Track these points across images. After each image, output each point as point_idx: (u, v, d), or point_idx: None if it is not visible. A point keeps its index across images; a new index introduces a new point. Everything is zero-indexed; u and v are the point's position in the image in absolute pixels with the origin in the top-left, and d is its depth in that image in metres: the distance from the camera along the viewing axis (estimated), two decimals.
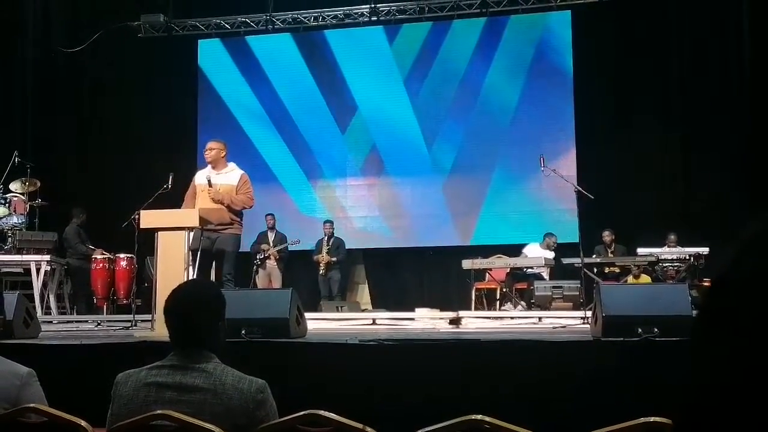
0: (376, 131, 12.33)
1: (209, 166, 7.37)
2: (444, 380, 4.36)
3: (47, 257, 9.22)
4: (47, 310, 9.28)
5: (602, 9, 11.59)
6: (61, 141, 12.09)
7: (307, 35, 12.74)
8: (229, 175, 7.33)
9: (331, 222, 11.65)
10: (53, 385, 2.78)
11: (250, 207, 7.42)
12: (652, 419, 2.11)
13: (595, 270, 9.58)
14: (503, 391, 4.22)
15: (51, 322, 8.33)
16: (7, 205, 9.60)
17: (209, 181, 7.16)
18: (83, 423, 2.26)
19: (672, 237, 10.05)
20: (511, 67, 12.05)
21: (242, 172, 7.43)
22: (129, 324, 7.19)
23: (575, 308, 8.28)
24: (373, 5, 12.22)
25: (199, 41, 12.95)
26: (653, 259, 9.58)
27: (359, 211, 12.31)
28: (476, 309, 9.82)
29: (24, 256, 9.22)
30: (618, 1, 11.48)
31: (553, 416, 4.07)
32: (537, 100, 11.88)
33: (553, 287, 9.02)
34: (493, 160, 11.91)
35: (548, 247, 10.56)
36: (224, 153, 7.41)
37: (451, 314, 7.66)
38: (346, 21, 12.58)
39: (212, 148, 7.36)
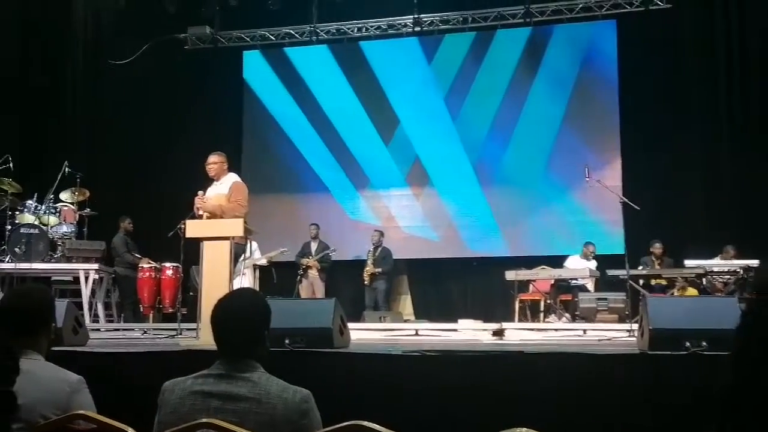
0: (419, 144, 12.36)
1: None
2: (487, 392, 4.33)
3: (95, 266, 9.35)
4: (95, 318, 9.42)
5: (648, 17, 11.47)
6: (109, 152, 12.29)
7: (345, 48, 12.81)
8: (222, 185, 7.18)
9: (380, 231, 11.65)
10: (100, 393, 2.81)
11: (243, 215, 6.87)
12: None
13: (641, 282, 9.44)
14: (547, 404, 4.17)
15: (99, 329, 8.46)
16: (57, 214, 9.79)
17: (198, 193, 7.04)
18: (131, 430, 2.29)
19: (730, 249, 9.82)
20: (556, 77, 11.98)
21: (237, 179, 7.27)
22: (174, 332, 7.27)
23: (621, 321, 8.17)
24: (416, 16, 12.25)
25: (244, 53, 13.12)
26: (701, 271, 9.39)
27: (404, 221, 12.32)
28: (520, 321, 9.76)
29: (73, 265, 9.38)
30: (664, 9, 11.36)
31: (598, 431, 4.01)
32: (582, 110, 11.80)
33: (598, 299, 8.90)
34: (538, 171, 11.83)
35: (586, 257, 10.46)
36: (226, 165, 7.30)
37: (495, 326, 7.61)
38: (390, 32, 12.64)
39: (214, 162, 7.21)
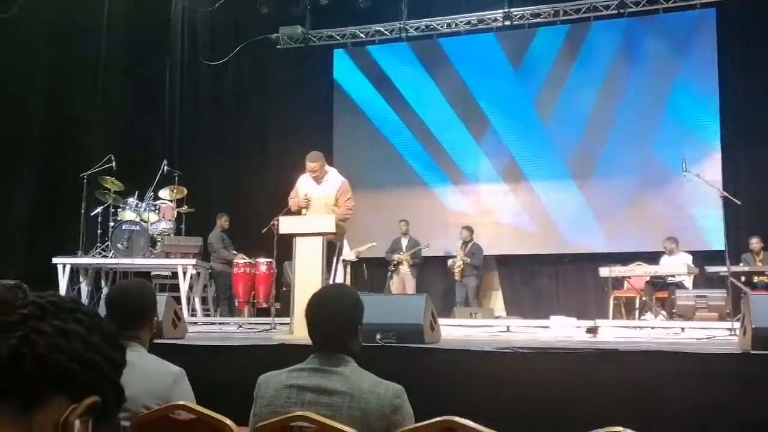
0: (510, 142, 12.20)
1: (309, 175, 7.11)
2: (580, 391, 4.26)
3: (193, 261, 9.61)
4: (193, 312, 9.70)
5: (749, 4, 11.03)
6: (205, 150, 12.61)
7: (427, 45, 12.78)
8: (328, 184, 7.05)
9: (469, 228, 11.51)
10: (198, 384, 2.89)
11: (348, 216, 7.02)
12: None
13: (743, 279, 9.10)
14: (643, 403, 4.08)
15: (196, 323, 8.71)
16: (156, 211, 10.11)
17: (306, 197, 6.96)
18: (228, 422, 2.35)
19: None
20: (655, 68, 11.64)
21: (342, 179, 7.11)
22: (268, 327, 7.43)
23: (721, 319, 7.91)
24: (506, 10, 12.11)
25: (334, 51, 13.26)
26: None
27: (500, 215, 12.20)
28: (614, 318, 9.56)
29: (172, 260, 9.67)
30: None
31: None
32: (681, 101, 11.44)
33: (697, 296, 8.63)
34: (635, 165, 11.53)
35: (665, 250, 10.17)
36: (324, 164, 7.12)
37: (589, 323, 7.49)
38: (479, 27, 12.53)
39: (316, 169, 6.98)
